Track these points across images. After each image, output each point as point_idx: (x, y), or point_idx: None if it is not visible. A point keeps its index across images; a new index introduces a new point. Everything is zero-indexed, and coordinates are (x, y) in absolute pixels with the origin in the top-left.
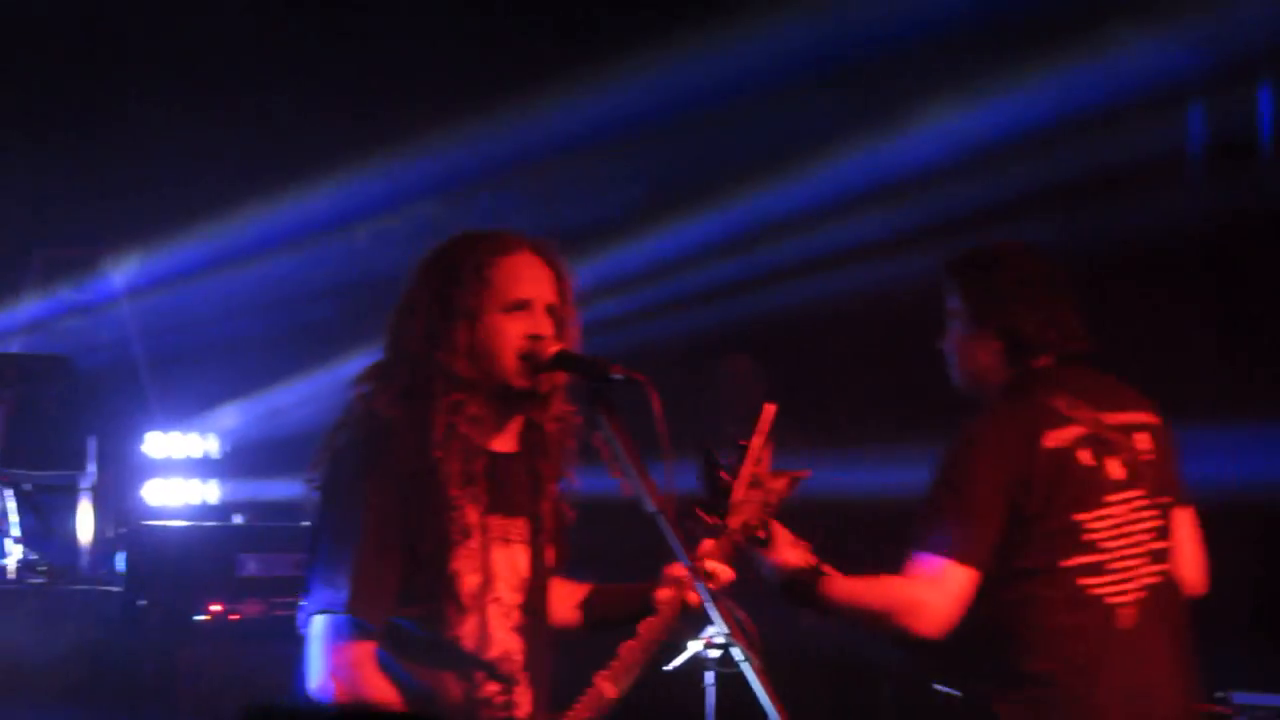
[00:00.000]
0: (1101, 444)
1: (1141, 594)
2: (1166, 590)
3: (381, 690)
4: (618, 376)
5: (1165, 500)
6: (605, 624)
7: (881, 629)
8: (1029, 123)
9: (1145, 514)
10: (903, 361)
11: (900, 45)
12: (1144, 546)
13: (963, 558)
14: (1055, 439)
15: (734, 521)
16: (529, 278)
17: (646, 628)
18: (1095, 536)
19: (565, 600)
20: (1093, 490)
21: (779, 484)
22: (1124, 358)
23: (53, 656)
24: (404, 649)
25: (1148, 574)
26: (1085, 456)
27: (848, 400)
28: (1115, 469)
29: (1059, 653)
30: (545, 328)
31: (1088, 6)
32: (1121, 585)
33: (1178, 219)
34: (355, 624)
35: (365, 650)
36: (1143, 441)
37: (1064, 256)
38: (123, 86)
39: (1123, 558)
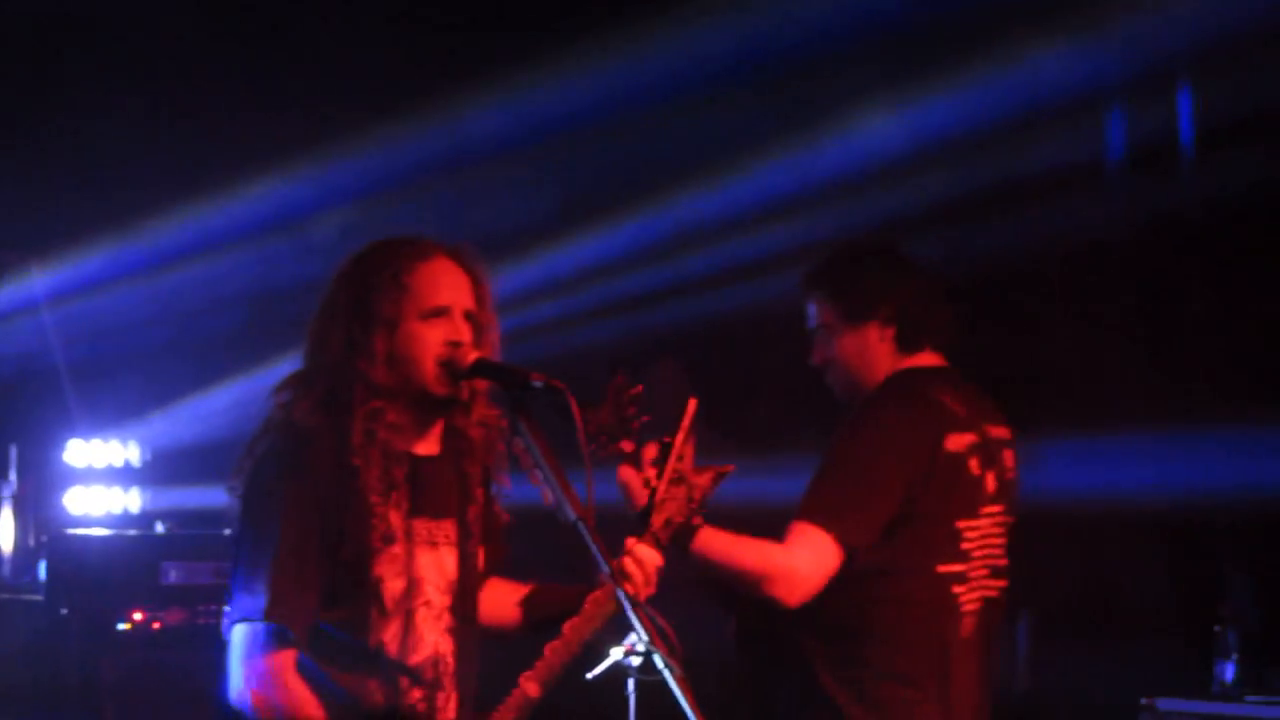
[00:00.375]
0: (986, 455)
1: (979, 605)
2: (996, 605)
3: (302, 698)
4: (537, 384)
5: (1012, 519)
6: (546, 623)
7: (746, 589)
8: (948, 129)
9: (1000, 529)
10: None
11: (818, 51)
12: (993, 561)
13: (845, 538)
14: (955, 443)
15: (657, 520)
16: (447, 284)
17: (571, 628)
18: (967, 546)
19: (505, 599)
20: (974, 499)
21: (703, 480)
22: (1045, 366)
23: None
24: (327, 655)
25: (989, 587)
26: (974, 465)
27: (770, 407)
28: (990, 481)
29: (924, 655)
30: (464, 334)
31: (1004, 13)
32: (972, 595)
33: (1098, 227)
34: (275, 632)
35: (285, 659)
36: (1008, 458)
37: (985, 264)
38: (41, 90)
39: (978, 569)
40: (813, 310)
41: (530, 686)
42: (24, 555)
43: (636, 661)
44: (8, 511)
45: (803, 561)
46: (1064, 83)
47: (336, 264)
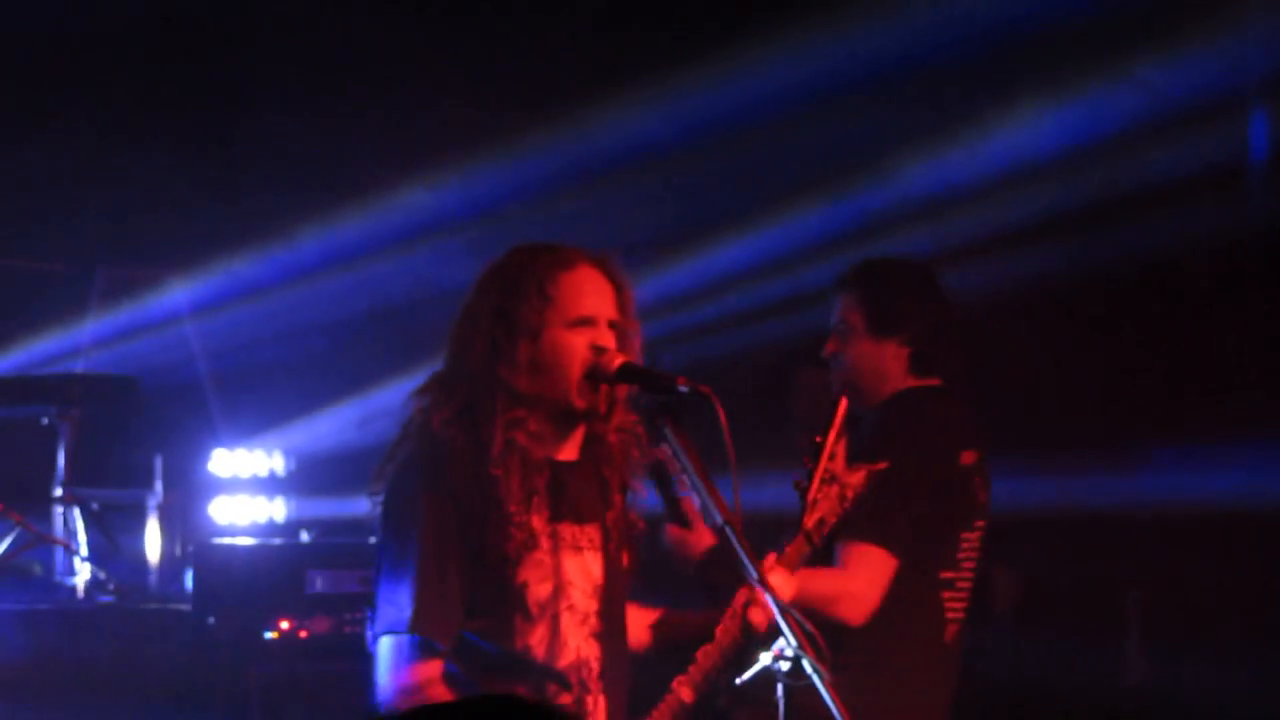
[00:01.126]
0: (983, 472)
1: (962, 614)
2: (969, 616)
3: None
4: (683, 389)
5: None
6: (675, 648)
7: (813, 612)
8: (1089, 133)
9: (980, 545)
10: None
11: (951, 58)
12: (974, 572)
13: (898, 552)
14: (968, 457)
15: (810, 520)
16: (591, 292)
17: (723, 632)
18: (962, 556)
19: (636, 621)
20: (972, 513)
21: (855, 478)
22: (1185, 369)
23: (122, 676)
24: (474, 663)
25: (968, 598)
26: (978, 480)
27: None
28: (983, 497)
29: (914, 653)
30: (608, 340)
31: (1145, 15)
32: (957, 603)
33: (1239, 229)
34: (421, 643)
35: (432, 669)
36: (988, 478)
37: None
38: (182, 105)
39: (965, 579)
40: (838, 306)
41: (684, 691)
42: (171, 565)
43: (785, 666)
44: (154, 522)
45: (862, 581)
46: (1205, 84)
47: (478, 271)
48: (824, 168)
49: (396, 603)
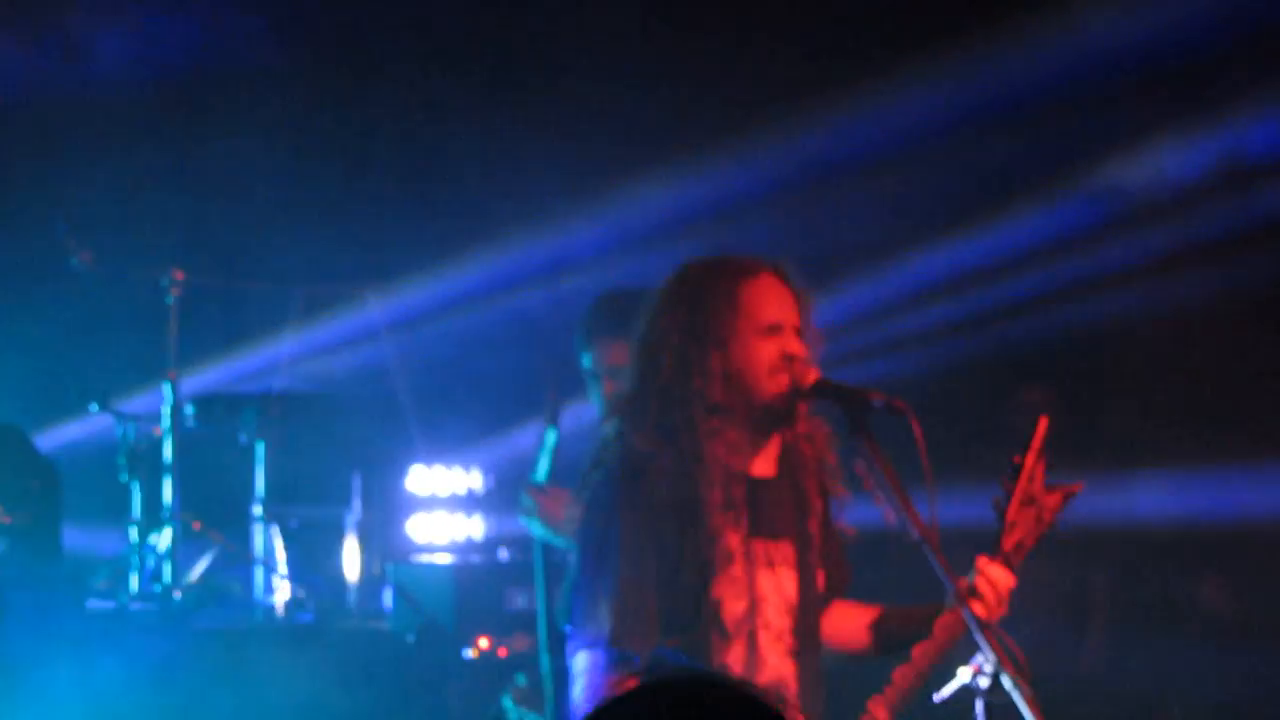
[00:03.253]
0: None
1: None
2: None
3: None
4: (878, 403)
5: None
6: (897, 646)
7: None
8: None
9: None
10: (1184, 379)
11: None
12: None
13: None
14: None
15: (1008, 542)
16: (775, 299)
17: (920, 652)
18: None
19: (854, 621)
20: None
21: (1052, 500)
22: None
23: (322, 694)
24: None
25: None
26: None
27: (1125, 423)
28: None
29: None
30: (798, 349)
31: None
32: None
33: None
34: (620, 657)
35: (630, 685)
36: None
37: None
38: (374, 126)
39: None
40: None
41: (879, 712)
42: (369, 583)
43: (984, 683)
44: (352, 540)
45: None
46: None
47: (658, 286)
48: (1044, 173)
49: (595, 618)
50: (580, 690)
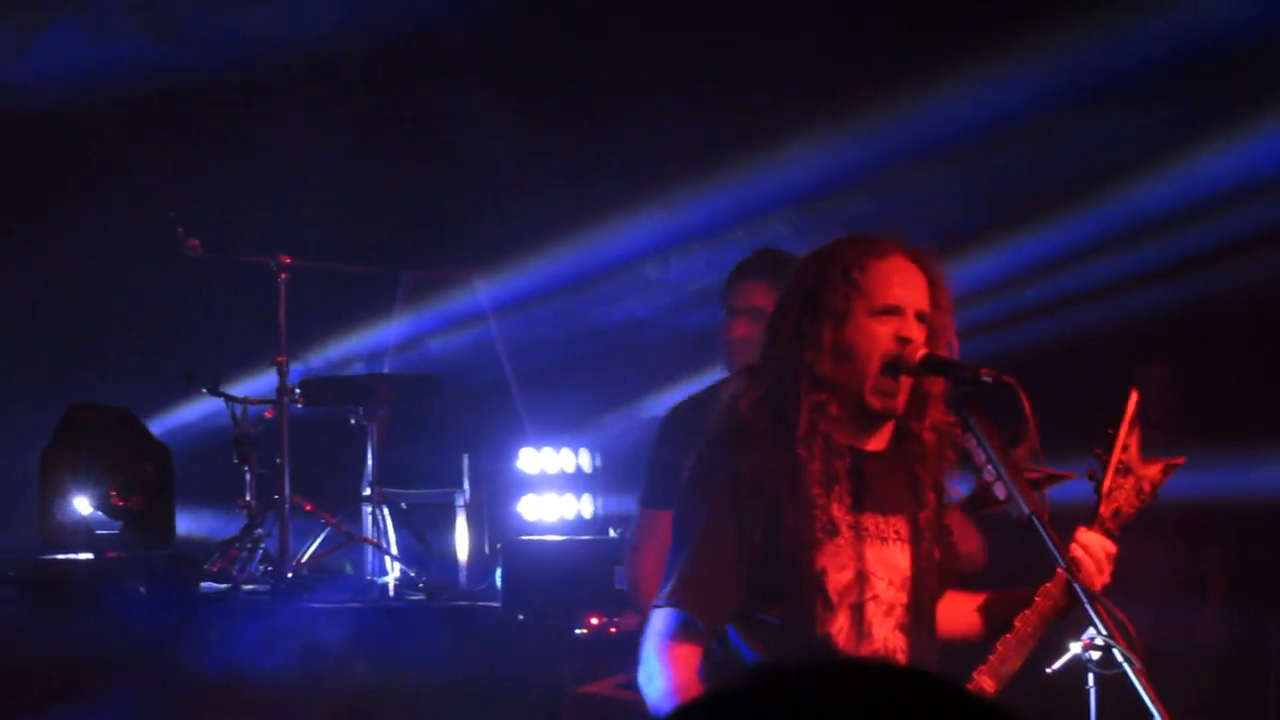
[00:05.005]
0: None
1: None
2: None
3: (681, 687)
4: (987, 379)
5: None
6: (1006, 627)
7: None
8: None
9: None
10: None
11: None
12: None
13: None
14: None
15: (1106, 509)
16: (900, 283)
17: (1023, 620)
18: None
19: (962, 607)
20: None
21: (1151, 471)
22: None
23: (433, 673)
24: (772, 648)
25: None
26: None
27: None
28: None
29: None
30: (914, 332)
31: None
32: None
33: None
34: (684, 620)
35: (688, 651)
36: None
37: None
38: (475, 111)
39: None
40: None
41: (985, 682)
42: (480, 563)
43: (1095, 655)
44: (462, 520)
45: None
46: None
47: (800, 259)
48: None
49: (670, 578)
50: (646, 646)
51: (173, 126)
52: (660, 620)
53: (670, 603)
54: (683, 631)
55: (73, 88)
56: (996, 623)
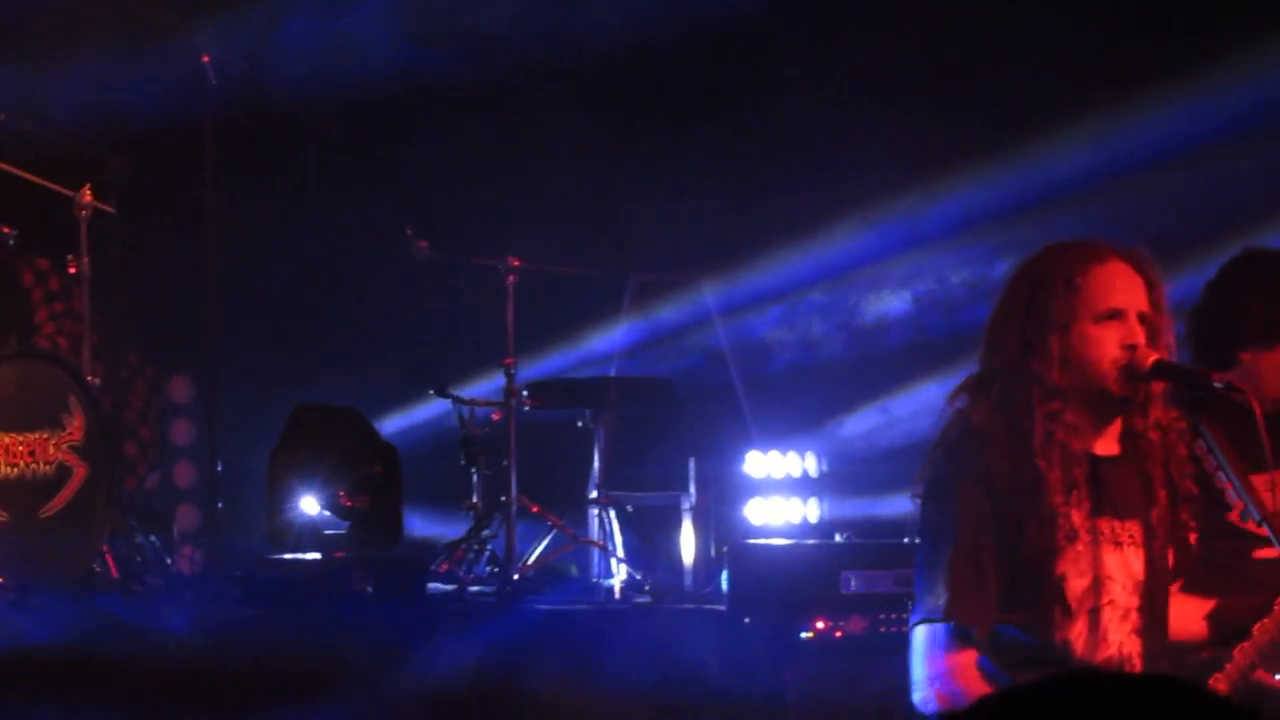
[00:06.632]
0: None
1: None
2: None
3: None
4: (1218, 385)
5: None
6: (1236, 636)
7: None
8: None
9: None
10: None
11: None
12: None
13: None
14: None
15: None
16: (1120, 287)
17: (1260, 628)
18: None
19: (1192, 612)
20: None
21: None
22: None
23: (659, 675)
24: (1010, 657)
25: None
26: None
27: None
28: None
29: None
30: (1139, 336)
31: None
32: None
33: None
34: (955, 632)
35: (966, 659)
36: None
37: None
38: (712, 110)
39: None
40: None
41: (1220, 687)
42: (705, 566)
43: None
44: (688, 524)
45: None
46: None
47: (1008, 269)
48: None
49: (933, 591)
50: (916, 664)
51: (403, 126)
52: (933, 635)
53: (941, 616)
54: (959, 641)
55: (312, 85)
56: (1226, 630)
